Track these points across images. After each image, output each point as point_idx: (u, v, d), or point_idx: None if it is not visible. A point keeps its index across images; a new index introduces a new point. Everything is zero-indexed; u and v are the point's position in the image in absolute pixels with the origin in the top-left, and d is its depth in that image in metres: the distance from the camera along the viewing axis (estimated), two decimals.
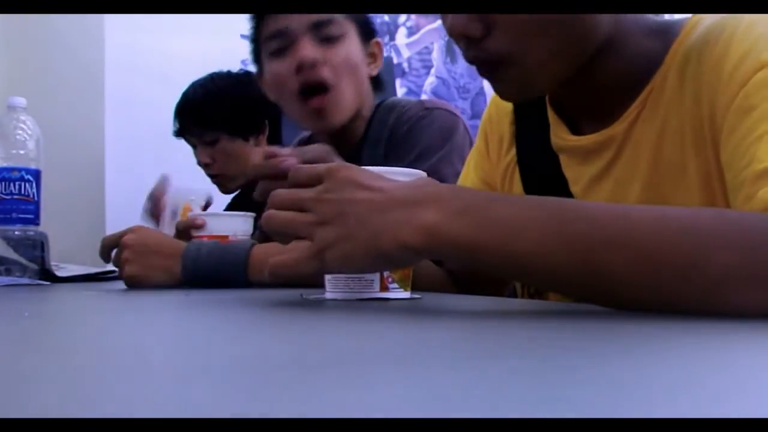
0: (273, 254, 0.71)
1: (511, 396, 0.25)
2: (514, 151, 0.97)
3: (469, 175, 1.06)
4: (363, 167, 0.68)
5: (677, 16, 0.83)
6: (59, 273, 1.28)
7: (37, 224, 1.28)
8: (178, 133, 2.01)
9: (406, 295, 0.75)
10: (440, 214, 0.58)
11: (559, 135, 0.89)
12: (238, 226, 1.22)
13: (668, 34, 0.80)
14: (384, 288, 0.73)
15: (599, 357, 0.35)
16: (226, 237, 1.19)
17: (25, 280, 1.20)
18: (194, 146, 2.01)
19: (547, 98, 0.92)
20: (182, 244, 1.10)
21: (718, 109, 0.71)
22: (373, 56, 1.42)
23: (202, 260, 1.06)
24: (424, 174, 0.74)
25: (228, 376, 0.29)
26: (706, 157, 0.74)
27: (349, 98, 1.35)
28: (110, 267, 1.18)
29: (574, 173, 0.87)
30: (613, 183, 0.82)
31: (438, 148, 1.28)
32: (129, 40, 2.43)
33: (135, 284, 1.08)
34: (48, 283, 1.22)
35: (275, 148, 0.90)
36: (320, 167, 0.67)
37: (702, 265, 0.52)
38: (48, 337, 0.45)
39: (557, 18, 0.72)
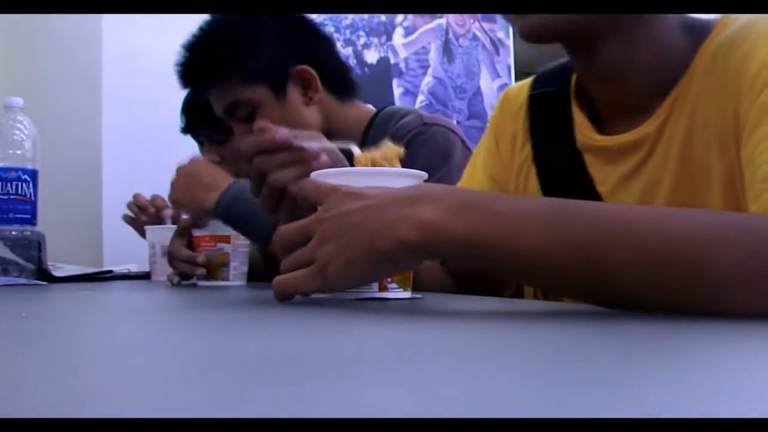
0: None
1: (508, 396, 0.25)
2: (528, 148, 0.96)
3: (476, 173, 1.04)
4: (367, 169, 0.69)
5: (707, 16, 0.83)
6: (56, 273, 1.28)
7: (34, 224, 1.29)
8: (186, 130, 1.97)
9: (406, 294, 0.75)
10: (438, 211, 0.57)
11: (586, 134, 0.88)
12: None
13: (700, 32, 0.80)
14: (383, 288, 0.73)
15: (597, 357, 0.35)
16: (229, 237, 1.19)
17: (23, 280, 1.20)
18: (201, 143, 1.97)
19: (572, 95, 0.91)
20: (226, 180, 1.14)
21: (741, 108, 0.71)
22: (304, 86, 1.41)
23: (237, 206, 1.10)
24: (425, 175, 0.75)
25: (225, 376, 0.29)
26: (729, 157, 0.74)
27: None
28: (107, 267, 1.18)
29: (602, 173, 0.86)
30: (643, 183, 0.82)
31: (437, 168, 1.26)
32: (127, 40, 2.43)
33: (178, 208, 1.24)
34: (45, 283, 1.23)
35: (267, 123, 0.88)
36: (325, 186, 0.67)
37: (706, 266, 0.51)
38: (45, 337, 0.45)
39: None
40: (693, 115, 0.77)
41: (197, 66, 1.42)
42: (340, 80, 1.45)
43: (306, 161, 0.85)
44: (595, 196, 0.85)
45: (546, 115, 0.94)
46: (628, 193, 0.83)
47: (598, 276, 0.54)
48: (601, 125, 0.87)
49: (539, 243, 0.55)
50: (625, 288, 0.54)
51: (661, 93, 0.80)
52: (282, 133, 0.84)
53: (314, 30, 1.48)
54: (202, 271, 1.19)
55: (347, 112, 1.43)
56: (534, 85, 0.99)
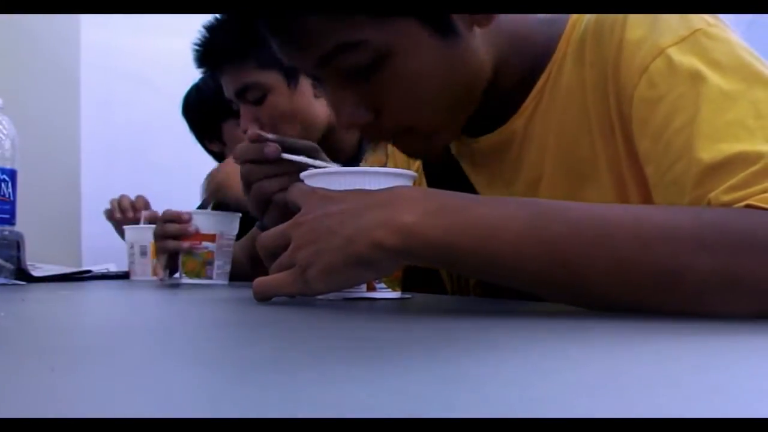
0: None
1: (489, 396, 0.25)
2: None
3: None
4: (359, 169, 0.70)
5: None
6: (35, 273, 1.27)
7: (13, 224, 1.27)
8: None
9: (395, 294, 0.75)
10: (414, 215, 0.57)
11: (457, 140, 0.86)
12: (225, 225, 1.22)
13: (557, 21, 0.77)
14: (371, 288, 0.73)
15: (578, 358, 0.35)
16: (213, 236, 1.19)
17: (1, 280, 1.19)
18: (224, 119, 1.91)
19: None
20: None
21: (623, 95, 0.69)
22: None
23: None
24: (415, 174, 0.75)
25: (208, 375, 0.29)
26: (615, 145, 0.72)
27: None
28: (85, 267, 1.17)
29: (482, 179, 0.85)
30: (524, 185, 0.80)
31: None
32: (105, 40, 2.42)
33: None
34: (24, 282, 1.22)
35: (260, 132, 0.90)
36: (306, 189, 0.67)
37: (681, 273, 0.51)
38: (23, 337, 0.45)
39: (439, 85, 0.71)
40: (568, 104, 0.75)
41: (216, 46, 1.43)
42: None
43: (292, 174, 0.86)
44: None
45: None
46: (512, 195, 0.81)
47: (574, 279, 0.54)
48: (473, 130, 0.84)
49: (515, 247, 0.54)
50: (602, 292, 0.54)
51: (526, 88, 0.78)
52: (270, 147, 0.83)
53: None
54: (194, 227, 1.18)
55: None
56: None
